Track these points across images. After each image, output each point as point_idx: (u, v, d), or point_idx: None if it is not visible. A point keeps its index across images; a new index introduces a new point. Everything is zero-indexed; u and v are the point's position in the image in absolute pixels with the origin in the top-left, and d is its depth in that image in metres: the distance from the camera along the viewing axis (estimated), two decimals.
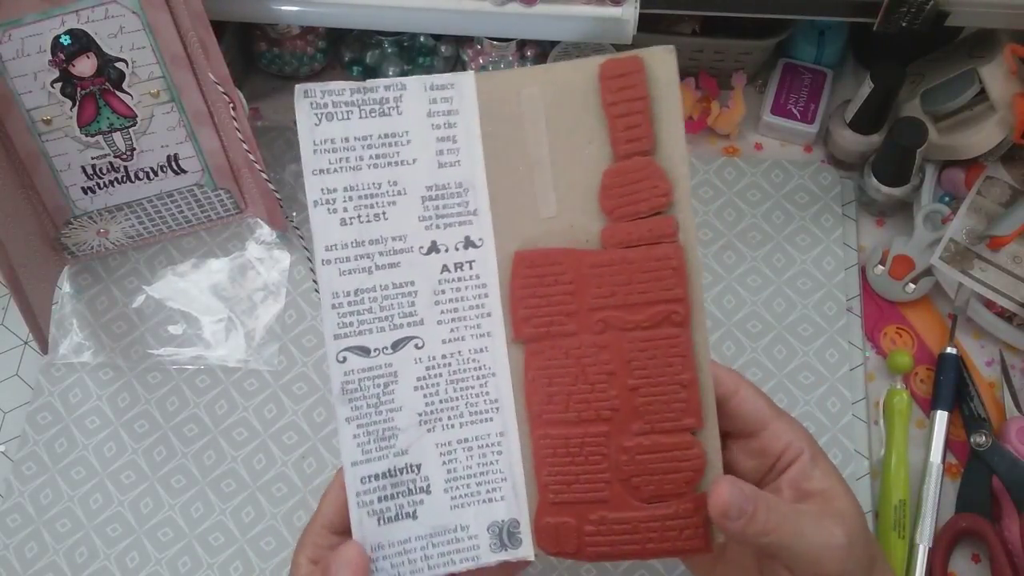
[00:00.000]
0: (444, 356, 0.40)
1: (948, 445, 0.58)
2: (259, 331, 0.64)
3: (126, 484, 0.61)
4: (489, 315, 0.40)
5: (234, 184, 0.65)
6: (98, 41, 0.57)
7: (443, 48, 0.71)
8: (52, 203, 0.62)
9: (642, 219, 0.39)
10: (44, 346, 0.63)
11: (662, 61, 0.38)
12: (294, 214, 0.67)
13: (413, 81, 0.39)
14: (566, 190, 0.39)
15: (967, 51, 0.63)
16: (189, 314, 0.65)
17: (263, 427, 0.62)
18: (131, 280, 0.67)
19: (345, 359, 0.39)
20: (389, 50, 0.71)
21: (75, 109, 0.59)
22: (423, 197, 0.39)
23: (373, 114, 0.39)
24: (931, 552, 0.55)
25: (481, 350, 0.40)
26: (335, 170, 0.39)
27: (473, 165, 0.39)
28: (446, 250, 0.39)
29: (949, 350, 0.60)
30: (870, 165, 0.64)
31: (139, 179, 0.63)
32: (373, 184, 0.39)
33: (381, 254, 0.39)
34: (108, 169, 0.62)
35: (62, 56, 0.57)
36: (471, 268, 0.40)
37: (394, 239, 0.39)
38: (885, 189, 0.63)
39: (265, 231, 0.67)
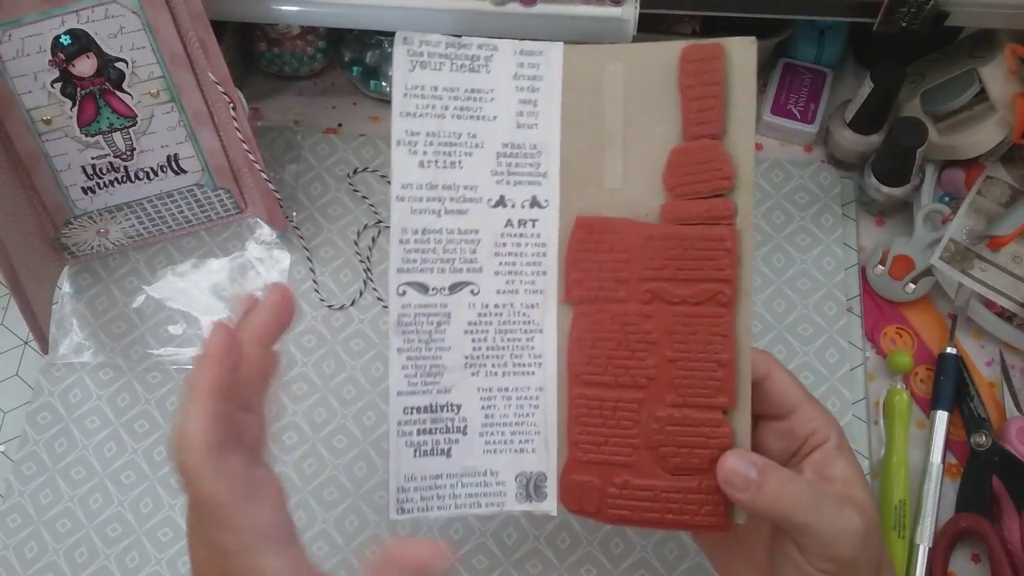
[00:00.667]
0: (497, 306, 0.41)
1: (948, 445, 0.58)
2: None
3: (126, 484, 0.61)
4: (544, 273, 0.41)
5: (234, 184, 0.65)
6: (98, 41, 0.57)
7: None
8: (52, 203, 0.62)
9: (702, 199, 0.39)
10: (44, 346, 0.63)
11: (742, 50, 0.40)
12: (294, 214, 0.67)
13: (505, 44, 0.41)
14: (633, 165, 0.40)
15: (967, 51, 0.63)
16: (189, 314, 0.65)
17: None
18: (131, 280, 0.67)
19: (404, 292, 0.41)
20: (389, 50, 0.71)
21: (75, 109, 0.59)
22: (498, 153, 0.41)
23: (463, 69, 0.41)
24: (931, 552, 0.55)
25: (532, 306, 0.41)
26: (421, 115, 0.41)
27: (549, 130, 0.41)
28: (512, 206, 0.41)
29: (949, 350, 0.60)
30: (870, 165, 0.64)
31: (139, 179, 0.63)
32: (454, 134, 0.41)
33: (452, 200, 0.41)
34: (108, 169, 0.62)
35: (62, 56, 0.57)
36: (533, 227, 0.41)
37: (466, 188, 0.41)
38: (885, 189, 0.63)
39: (265, 231, 0.67)
